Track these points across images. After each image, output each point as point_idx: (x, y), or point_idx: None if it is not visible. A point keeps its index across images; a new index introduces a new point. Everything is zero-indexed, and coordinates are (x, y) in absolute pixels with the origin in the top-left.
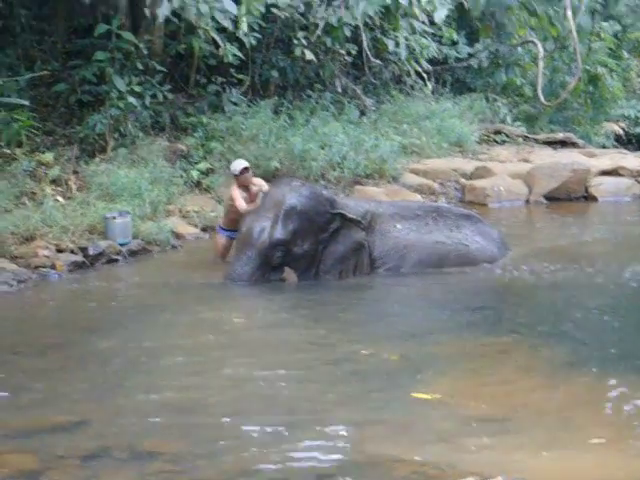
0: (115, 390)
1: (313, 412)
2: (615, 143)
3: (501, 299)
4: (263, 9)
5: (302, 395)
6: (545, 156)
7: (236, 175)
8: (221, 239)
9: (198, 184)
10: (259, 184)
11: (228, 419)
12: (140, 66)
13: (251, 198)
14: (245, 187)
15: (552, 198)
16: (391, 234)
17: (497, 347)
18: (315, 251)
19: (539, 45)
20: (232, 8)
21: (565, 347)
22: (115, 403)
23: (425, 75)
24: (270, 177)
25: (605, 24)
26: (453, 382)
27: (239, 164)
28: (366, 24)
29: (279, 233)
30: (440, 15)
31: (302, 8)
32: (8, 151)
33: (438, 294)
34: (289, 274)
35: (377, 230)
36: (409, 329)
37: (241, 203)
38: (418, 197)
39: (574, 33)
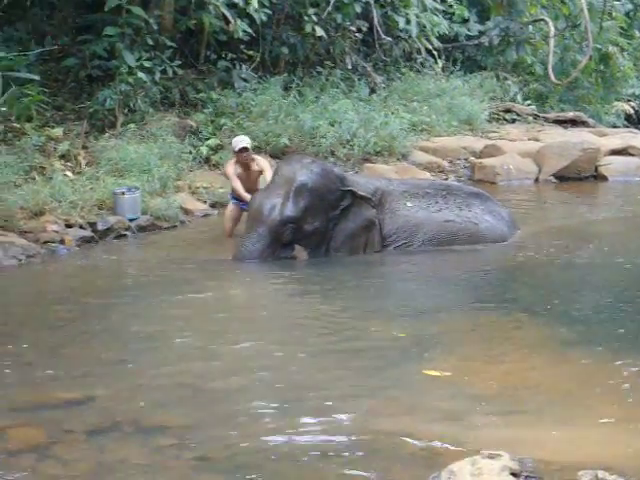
0: (123, 366)
1: (321, 388)
2: (625, 122)
3: (511, 277)
4: None
5: (310, 371)
6: (555, 135)
7: (234, 151)
8: (230, 207)
9: (207, 160)
10: (261, 166)
11: (236, 395)
12: (150, 41)
13: (250, 178)
14: (245, 165)
15: (562, 177)
16: (401, 212)
17: (507, 325)
18: (325, 228)
19: (550, 23)
20: None
21: (576, 326)
22: (123, 378)
23: (435, 53)
24: (279, 154)
25: (617, 2)
26: (463, 360)
27: (240, 141)
28: (377, 0)
29: (290, 210)
30: None
31: None
32: (18, 125)
33: (447, 272)
34: (299, 251)
35: (387, 208)
36: (418, 306)
37: (236, 184)
38: (427, 175)
39: (585, 11)
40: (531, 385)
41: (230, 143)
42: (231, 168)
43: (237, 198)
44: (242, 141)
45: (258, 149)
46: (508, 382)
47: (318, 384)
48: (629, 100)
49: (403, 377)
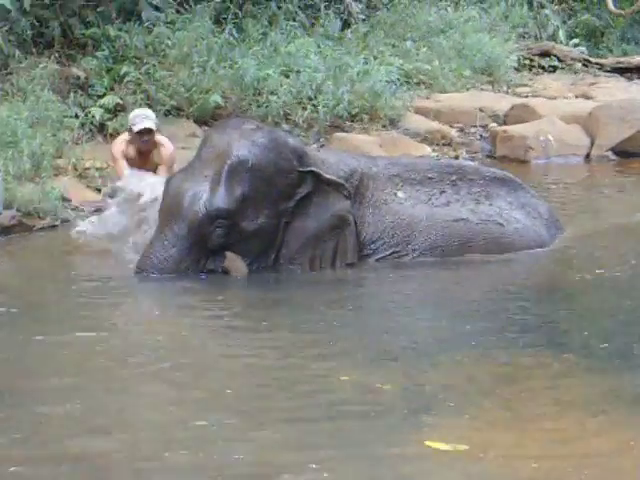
0: None
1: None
2: None
3: (549, 303)
4: None
5: (254, 449)
6: (615, 90)
7: (130, 130)
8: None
9: (102, 128)
10: (163, 157)
11: None
12: None
13: (145, 168)
14: (142, 152)
15: (625, 153)
16: (389, 206)
17: (537, 373)
18: (274, 227)
19: None
20: None
21: (630, 376)
22: None
23: None
24: (209, 118)
25: None
26: (479, 425)
27: (141, 118)
28: None
29: (221, 200)
30: None
31: None
32: None
33: (456, 295)
34: (234, 262)
35: (369, 200)
36: (410, 346)
37: (121, 167)
38: (427, 150)
39: None
40: (585, 465)
41: (137, 103)
42: (120, 147)
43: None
44: (145, 118)
45: (178, 112)
46: (551, 461)
47: (272, 470)
48: None
49: (398, 453)
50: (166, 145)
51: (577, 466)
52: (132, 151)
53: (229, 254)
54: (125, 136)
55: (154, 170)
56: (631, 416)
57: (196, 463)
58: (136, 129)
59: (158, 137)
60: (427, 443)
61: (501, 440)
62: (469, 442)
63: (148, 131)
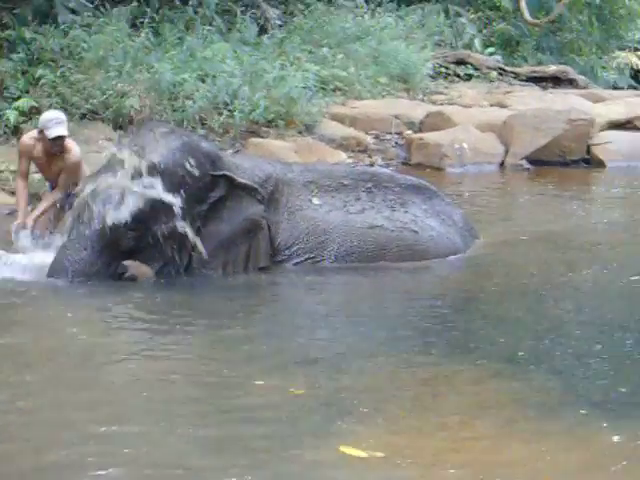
0: None
1: None
2: (632, 81)
3: (462, 310)
4: None
5: (165, 458)
6: (530, 99)
7: (41, 132)
8: (50, 198)
9: (16, 130)
10: (68, 164)
11: None
12: None
13: (50, 168)
14: (50, 153)
15: (539, 161)
16: (305, 212)
17: (449, 378)
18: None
19: None
20: None
21: (549, 380)
22: None
23: None
24: (125, 122)
25: None
26: (395, 431)
27: (54, 123)
28: None
29: (133, 203)
30: None
31: None
32: None
33: (369, 301)
34: (138, 268)
35: (284, 206)
36: (321, 351)
37: (23, 167)
38: (343, 156)
39: None
40: (502, 472)
41: (53, 106)
42: (27, 145)
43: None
44: (59, 124)
45: (94, 115)
46: (469, 468)
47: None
48: (637, 49)
49: (312, 458)
50: (73, 151)
51: (494, 473)
52: (39, 151)
53: (129, 263)
54: (34, 134)
55: (57, 173)
56: (542, 422)
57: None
58: (50, 135)
59: (68, 141)
60: (341, 449)
61: (414, 446)
62: (384, 448)
63: (61, 139)
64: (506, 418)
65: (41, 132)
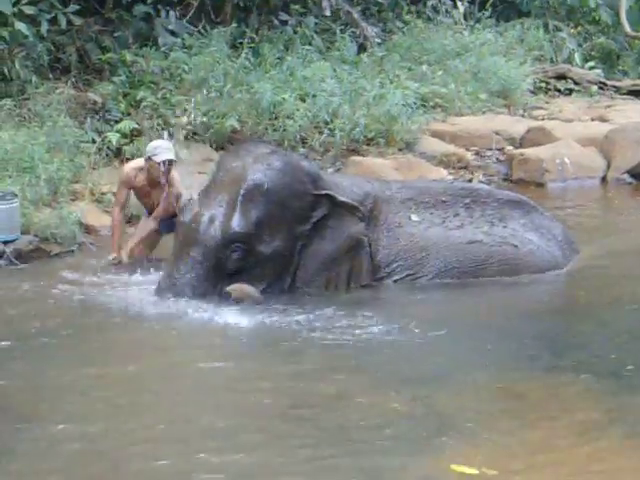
0: None
1: None
2: None
3: (566, 325)
4: None
5: (275, 472)
6: (631, 112)
7: (150, 159)
8: (147, 226)
9: (118, 152)
10: (175, 191)
11: None
12: None
13: (152, 197)
14: (153, 182)
15: None
16: (404, 229)
17: (554, 394)
18: (290, 250)
19: None
20: None
21: None
22: None
23: None
24: (225, 142)
25: None
26: (504, 449)
27: (163, 149)
28: None
29: (237, 224)
30: None
31: None
32: None
33: (471, 317)
34: (245, 292)
35: (383, 223)
36: (426, 369)
37: (120, 194)
38: (443, 173)
39: None
40: None
41: (153, 128)
42: (129, 174)
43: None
44: (168, 150)
45: (194, 136)
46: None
47: None
48: None
49: (421, 476)
50: (176, 183)
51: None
52: (142, 180)
53: (233, 286)
54: (137, 163)
55: (157, 203)
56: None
57: None
58: (159, 159)
59: (173, 173)
60: (452, 467)
61: (526, 465)
62: (495, 466)
63: (171, 163)
64: (614, 435)
65: (148, 159)
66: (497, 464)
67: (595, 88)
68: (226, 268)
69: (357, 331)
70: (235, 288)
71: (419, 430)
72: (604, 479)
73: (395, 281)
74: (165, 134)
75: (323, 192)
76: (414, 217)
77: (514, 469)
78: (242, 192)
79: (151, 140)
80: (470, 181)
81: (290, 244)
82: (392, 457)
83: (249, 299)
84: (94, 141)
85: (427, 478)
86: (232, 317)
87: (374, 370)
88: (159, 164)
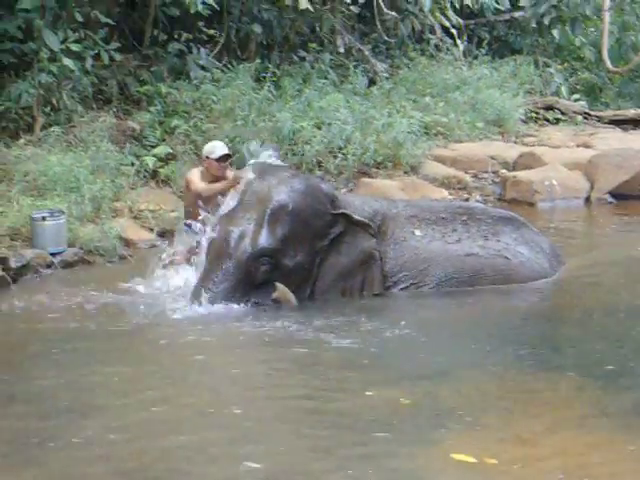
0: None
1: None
2: None
3: (553, 329)
4: None
5: (290, 460)
6: (612, 140)
7: (208, 158)
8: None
9: (154, 174)
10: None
11: None
12: (79, 17)
13: (216, 195)
14: (214, 178)
15: (621, 195)
16: (408, 243)
17: (549, 392)
18: (311, 264)
19: None
20: None
21: (632, 394)
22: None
23: (455, 32)
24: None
25: None
26: (501, 439)
27: (218, 147)
28: None
29: (265, 239)
30: None
31: None
32: None
33: (468, 321)
34: (284, 294)
35: (390, 237)
36: (429, 365)
37: (199, 184)
38: (444, 193)
39: None
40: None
41: (186, 152)
42: (196, 176)
43: (191, 226)
44: (222, 147)
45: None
46: (580, 473)
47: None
48: None
49: (424, 464)
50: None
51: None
52: (205, 182)
53: (280, 286)
54: (198, 170)
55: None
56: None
57: None
58: (216, 155)
59: (228, 172)
60: (452, 456)
61: (523, 454)
62: (494, 454)
63: (227, 157)
64: (608, 427)
65: (206, 159)
66: (496, 454)
67: (580, 118)
68: (255, 279)
69: (369, 333)
70: (281, 289)
71: (422, 421)
72: (601, 469)
73: (401, 289)
74: (255, 143)
75: (340, 211)
76: (417, 232)
77: (512, 458)
78: (268, 211)
79: (183, 164)
80: (467, 200)
81: (311, 258)
82: (395, 445)
83: (287, 302)
84: (133, 164)
85: (428, 466)
86: (261, 321)
87: (383, 367)
88: (219, 159)
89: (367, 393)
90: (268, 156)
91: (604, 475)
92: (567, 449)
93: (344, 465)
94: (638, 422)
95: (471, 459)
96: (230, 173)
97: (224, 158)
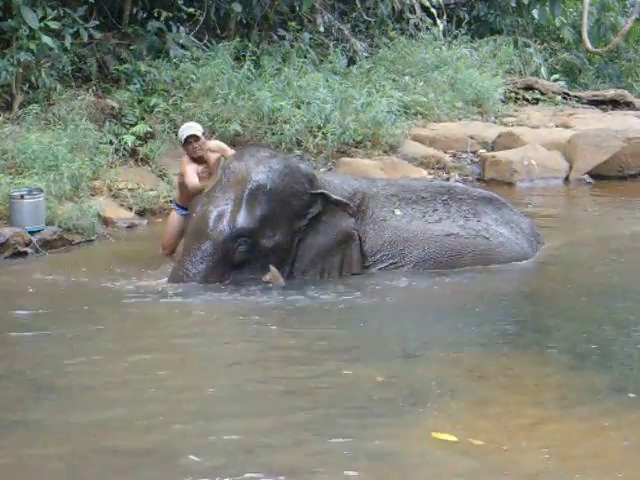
0: None
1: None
2: None
3: (532, 308)
4: None
5: (271, 441)
6: (591, 120)
7: (182, 144)
8: (174, 218)
9: (133, 153)
10: (220, 149)
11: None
12: None
13: (210, 170)
14: (200, 158)
15: (599, 176)
16: (388, 222)
17: (526, 370)
18: (289, 244)
19: None
20: None
21: (612, 373)
22: None
23: (434, 11)
24: (229, 144)
25: None
26: (471, 414)
27: (184, 131)
28: None
29: (243, 220)
30: None
31: None
32: None
33: (447, 300)
34: (275, 276)
35: (369, 217)
36: (405, 344)
37: (192, 179)
38: (423, 173)
39: None
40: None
41: (165, 131)
42: (189, 167)
43: (183, 207)
44: (188, 129)
45: None
46: (541, 450)
47: (289, 461)
48: None
49: (404, 442)
50: (215, 144)
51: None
52: (196, 166)
53: (273, 268)
54: (185, 157)
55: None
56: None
57: None
58: (182, 138)
59: (210, 143)
60: (433, 435)
61: (491, 429)
62: (475, 434)
63: (193, 138)
64: (589, 407)
65: (183, 146)
66: (480, 433)
67: (559, 98)
68: (233, 260)
69: (347, 313)
70: (273, 272)
71: (399, 401)
72: (585, 447)
73: (380, 269)
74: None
75: (318, 191)
76: (397, 212)
77: (493, 438)
78: (247, 192)
79: (162, 143)
80: (447, 180)
81: (289, 238)
82: (375, 426)
83: (277, 281)
84: (112, 142)
85: (409, 445)
86: (236, 302)
87: (360, 347)
88: (186, 142)
89: (345, 372)
90: None
91: (588, 453)
92: (548, 429)
93: (323, 446)
94: (620, 402)
95: (451, 437)
96: (213, 146)
97: (191, 139)
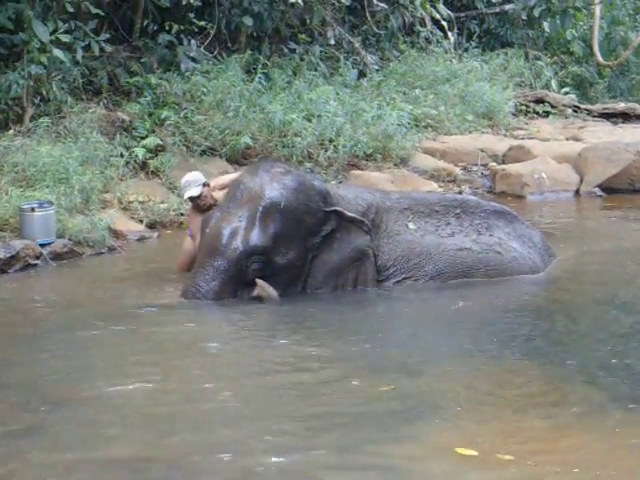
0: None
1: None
2: None
3: (546, 322)
4: None
5: (275, 448)
6: (601, 133)
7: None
8: (189, 242)
9: (144, 166)
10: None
11: None
12: (70, 8)
13: None
14: (209, 207)
15: (610, 189)
16: (402, 237)
17: (541, 384)
18: (302, 261)
19: None
20: None
21: (630, 385)
22: None
23: (445, 24)
24: (240, 158)
25: None
26: (490, 428)
27: (183, 190)
28: None
29: (257, 238)
30: None
31: None
32: None
33: (461, 314)
34: (266, 289)
35: (383, 231)
36: (419, 357)
37: (182, 257)
38: (434, 186)
39: None
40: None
41: (176, 144)
42: (195, 222)
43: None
44: (186, 187)
45: (212, 152)
46: (565, 464)
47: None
48: None
49: (428, 458)
50: (219, 194)
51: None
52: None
53: (260, 282)
54: (191, 210)
55: None
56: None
57: None
58: (185, 197)
59: (221, 179)
60: (457, 450)
61: (512, 443)
62: (486, 445)
63: (196, 197)
64: (592, 419)
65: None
66: (490, 445)
67: (570, 111)
68: (246, 277)
69: (359, 325)
70: (262, 285)
71: (410, 413)
72: (615, 464)
73: (394, 283)
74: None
75: (332, 209)
76: (411, 225)
77: (520, 453)
78: (260, 209)
79: (173, 156)
80: (459, 193)
81: (302, 255)
82: (374, 432)
83: (269, 299)
84: (122, 155)
85: (418, 461)
86: (248, 317)
87: (371, 358)
88: (188, 199)
89: (353, 383)
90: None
91: (595, 464)
92: (567, 443)
93: (332, 457)
94: (631, 415)
95: (469, 451)
96: (218, 194)
97: (193, 200)
